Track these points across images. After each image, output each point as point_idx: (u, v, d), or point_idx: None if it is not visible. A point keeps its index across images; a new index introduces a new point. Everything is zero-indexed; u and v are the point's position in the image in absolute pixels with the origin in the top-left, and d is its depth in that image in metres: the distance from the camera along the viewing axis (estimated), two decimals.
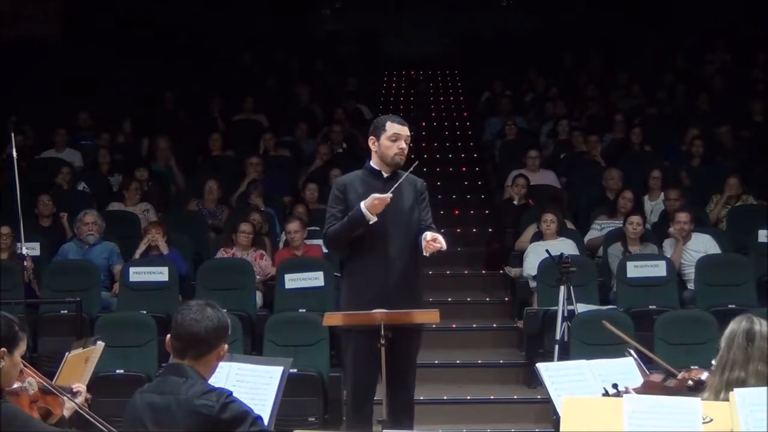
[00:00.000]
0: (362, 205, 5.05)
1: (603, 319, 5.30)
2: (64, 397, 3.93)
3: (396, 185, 5.06)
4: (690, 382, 3.96)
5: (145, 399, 3.51)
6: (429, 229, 5.18)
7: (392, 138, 5.20)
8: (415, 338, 5.28)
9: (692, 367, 4.19)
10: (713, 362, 3.80)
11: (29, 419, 3.62)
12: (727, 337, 3.77)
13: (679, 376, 4.12)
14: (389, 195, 5.02)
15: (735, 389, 3.50)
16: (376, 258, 5.11)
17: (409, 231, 5.19)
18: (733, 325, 3.79)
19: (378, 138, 5.24)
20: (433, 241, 4.99)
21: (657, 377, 4.17)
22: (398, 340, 4.99)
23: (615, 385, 4.12)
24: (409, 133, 5.28)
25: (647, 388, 4.03)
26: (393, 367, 4.98)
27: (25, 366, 3.84)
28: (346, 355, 5.31)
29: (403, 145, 5.22)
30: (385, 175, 5.24)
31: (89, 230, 8.77)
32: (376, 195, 5.02)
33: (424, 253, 5.04)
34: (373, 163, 5.29)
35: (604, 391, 4.13)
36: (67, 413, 3.92)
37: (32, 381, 3.86)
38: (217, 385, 3.57)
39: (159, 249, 8.63)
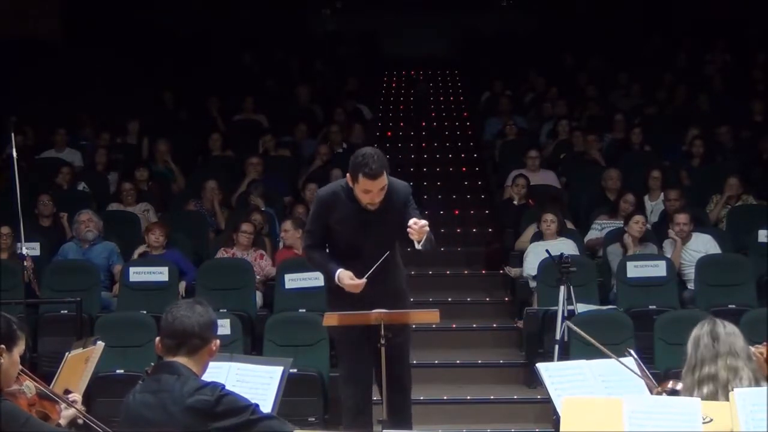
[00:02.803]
0: (338, 275, 5.04)
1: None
2: (63, 404, 3.92)
3: (371, 270, 4.97)
4: (663, 394, 3.98)
5: (139, 399, 3.51)
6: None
7: (363, 191, 5.05)
8: (405, 337, 5.25)
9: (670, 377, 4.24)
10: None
11: (30, 418, 3.62)
12: (692, 341, 3.81)
13: (654, 392, 4.14)
14: (363, 282, 4.97)
15: (735, 389, 3.50)
16: (353, 273, 5.05)
17: (386, 249, 5.10)
18: (696, 330, 3.83)
19: (353, 182, 5.08)
20: (415, 224, 4.84)
21: None
22: (388, 341, 4.97)
23: None
24: (384, 184, 5.05)
25: None
26: (386, 369, 4.97)
27: (23, 371, 3.84)
28: (340, 363, 5.35)
29: (376, 198, 5.06)
30: None
31: (86, 227, 8.78)
32: (351, 283, 4.99)
33: (417, 246, 4.88)
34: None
35: None
36: (63, 421, 3.92)
37: (30, 385, 3.86)
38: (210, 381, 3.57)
39: (159, 249, 8.65)
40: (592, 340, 4.65)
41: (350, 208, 5.13)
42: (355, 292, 5.01)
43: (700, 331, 3.80)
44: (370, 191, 5.04)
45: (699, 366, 3.73)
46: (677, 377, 4.06)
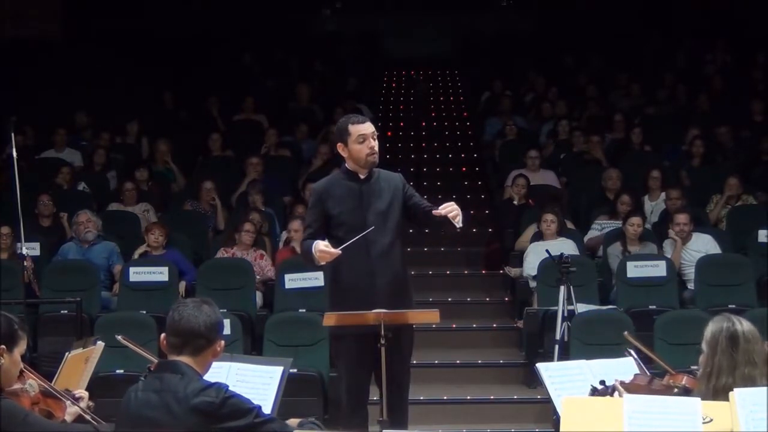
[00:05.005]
0: (314, 248, 4.99)
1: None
2: (67, 402, 3.92)
3: (350, 242, 4.95)
4: (675, 390, 3.96)
5: (141, 398, 3.49)
6: (432, 209, 5.12)
7: (359, 140, 5.11)
8: (407, 338, 5.24)
9: (679, 370, 4.21)
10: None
11: (29, 414, 3.62)
12: (709, 342, 3.72)
13: (664, 381, 4.12)
14: (338, 251, 4.93)
15: (734, 389, 3.49)
16: (357, 261, 5.05)
17: (389, 231, 5.13)
18: (713, 328, 3.73)
19: (346, 143, 5.16)
20: (448, 212, 4.96)
21: (643, 379, 4.18)
22: (389, 340, 4.96)
23: (602, 382, 4.15)
24: (373, 129, 5.19)
25: (633, 386, 4.03)
26: (386, 368, 4.97)
27: (25, 369, 3.84)
28: (338, 362, 5.34)
29: (372, 143, 5.13)
30: (362, 176, 5.20)
31: (85, 228, 8.79)
32: (324, 249, 4.94)
33: (458, 226, 5.01)
34: (348, 166, 5.22)
35: (591, 389, 4.15)
36: (68, 418, 3.91)
37: (33, 383, 3.86)
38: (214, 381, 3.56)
39: (158, 249, 8.65)
40: (653, 355, 4.69)
41: (349, 186, 5.17)
42: (326, 260, 4.96)
43: (719, 327, 3.70)
44: (365, 136, 5.11)
45: (716, 375, 3.66)
46: (690, 374, 4.04)
